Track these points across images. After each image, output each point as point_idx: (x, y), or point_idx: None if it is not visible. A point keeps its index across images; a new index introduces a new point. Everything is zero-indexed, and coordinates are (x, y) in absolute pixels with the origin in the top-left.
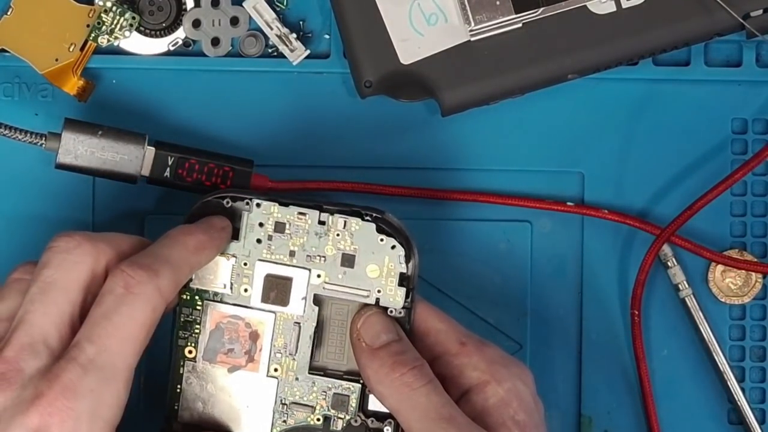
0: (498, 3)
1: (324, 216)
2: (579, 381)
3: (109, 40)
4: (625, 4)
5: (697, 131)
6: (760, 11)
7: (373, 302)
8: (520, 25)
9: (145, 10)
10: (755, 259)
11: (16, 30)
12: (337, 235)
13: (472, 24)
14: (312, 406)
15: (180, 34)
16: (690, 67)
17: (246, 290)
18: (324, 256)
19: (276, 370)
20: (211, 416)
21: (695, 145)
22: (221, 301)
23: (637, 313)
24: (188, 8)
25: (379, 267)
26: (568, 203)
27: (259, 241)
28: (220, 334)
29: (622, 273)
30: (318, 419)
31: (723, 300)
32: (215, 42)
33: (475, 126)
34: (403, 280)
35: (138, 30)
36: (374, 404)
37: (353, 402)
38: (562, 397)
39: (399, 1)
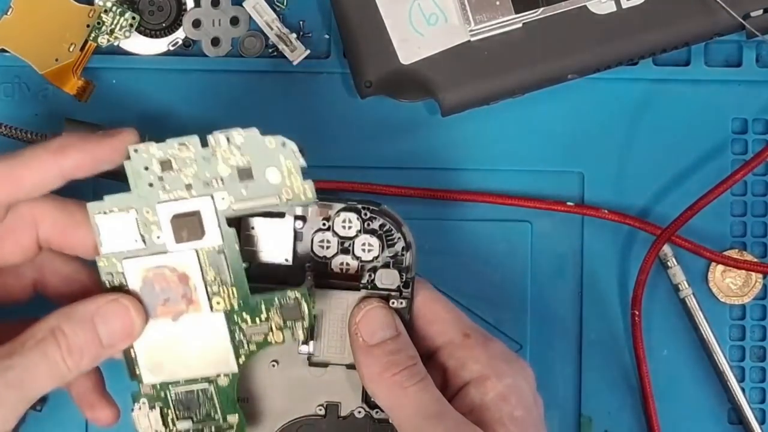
0: (498, 3)
1: (206, 138)
2: (579, 381)
3: (109, 40)
4: (625, 4)
5: (697, 131)
6: (760, 11)
7: (284, 203)
8: (520, 25)
9: (145, 10)
10: (755, 259)
11: (16, 30)
12: (224, 152)
13: (472, 24)
14: (268, 325)
15: (180, 34)
16: (690, 67)
17: (158, 237)
18: (220, 178)
19: (219, 303)
20: (174, 368)
21: (695, 145)
22: (139, 256)
23: (637, 313)
24: (188, 8)
25: (277, 168)
26: (568, 203)
27: (150, 185)
28: (150, 287)
29: (622, 273)
30: (279, 336)
31: (723, 300)
32: (215, 42)
33: (475, 126)
34: (399, 265)
35: (138, 30)
36: None
37: (305, 307)
38: (562, 397)
39: (399, 1)
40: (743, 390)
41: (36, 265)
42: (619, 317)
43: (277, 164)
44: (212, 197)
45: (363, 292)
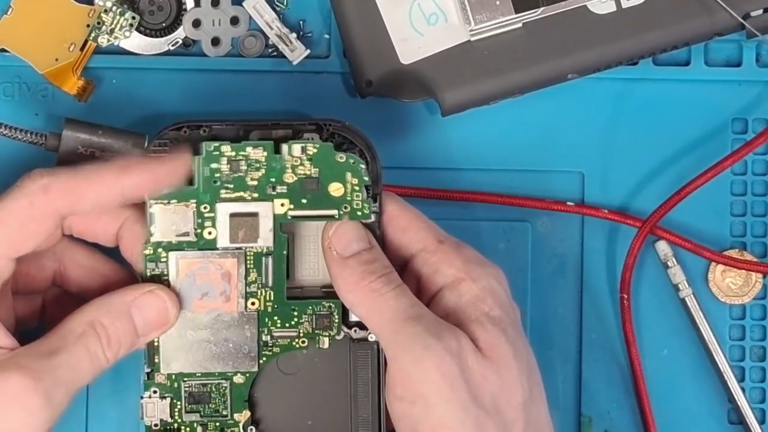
0: (498, 3)
1: (280, 145)
2: (579, 381)
3: (109, 40)
4: (625, 4)
5: (697, 131)
6: (760, 11)
7: (341, 216)
8: (520, 25)
9: (145, 10)
10: (755, 259)
11: (16, 30)
12: (296, 161)
13: (472, 24)
14: (296, 332)
15: (180, 34)
16: (690, 67)
17: (210, 233)
18: (285, 185)
19: (253, 304)
20: (195, 362)
21: (695, 145)
22: (187, 249)
23: (626, 296)
24: (188, 8)
25: (342, 184)
26: (568, 203)
27: (215, 182)
28: (192, 281)
29: (621, 273)
30: (303, 341)
31: (723, 300)
32: (215, 42)
33: (475, 126)
34: (368, 188)
35: (138, 30)
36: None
37: (336, 318)
38: (562, 397)
39: (399, 1)
40: (743, 390)
41: (57, 256)
42: (619, 317)
43: (343, 180)
44: (272, 202)
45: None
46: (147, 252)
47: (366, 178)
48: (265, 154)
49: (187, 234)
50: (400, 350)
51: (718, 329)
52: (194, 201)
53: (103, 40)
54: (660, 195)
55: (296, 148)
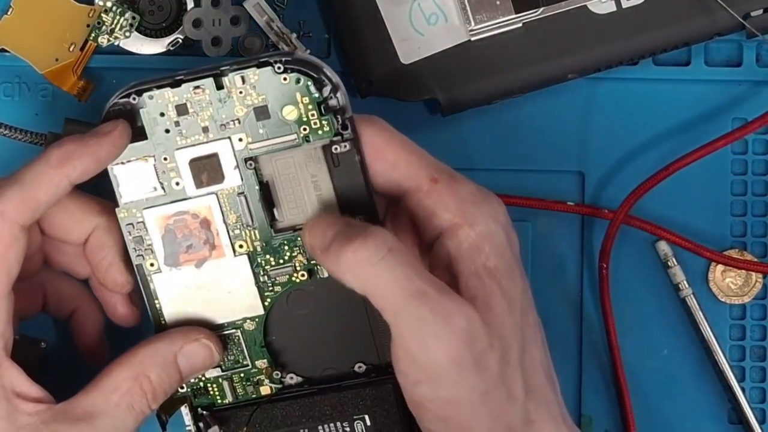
0: (498, 3)
1: (220, 80)
2: (579, 381)
3: (109, 40)
4: (625, 4)
5: (697, 131)
6: (760, 11)
7: (302, 139)
8: (520, 25)
9: (145, 10)
10: (755, 259)
11: (16, 30)
12: (240, 92)
13: (472, 24)
14: (292, 266)
15: (180, 34)
16: (690, 67)
17: (177, 183)
18: (237, 119)
19: (241, 246)
20: (199, 315)
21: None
22: (159, 205)
23: (605, 266)
24: (188, 8)
25: (293, 106)
26: (568, 203)
27: (167, 131)
28: (172, 235)
29: (621, 273)
30: (303, 275)
31: (723, 300)
32: (215, 42)
33: (475, 126)
34: (331, 110)
35: (138, 30)
36: None
37: None
38: (562, 397)
39: (399, 1)
40: (743, 390)
41: (39, 283)
42: (620, 317)
43: (294, 101)
44: (230, 139)
45: (305, 146)
46: (122, 215)
47: (316, 95)
48: (208, 92)
49: (154, 189)
50: (407, 334)
51: (718, 329)
52: (152, 155)
53: (103, 40)
54: (660, 195)
55: (237, 79)
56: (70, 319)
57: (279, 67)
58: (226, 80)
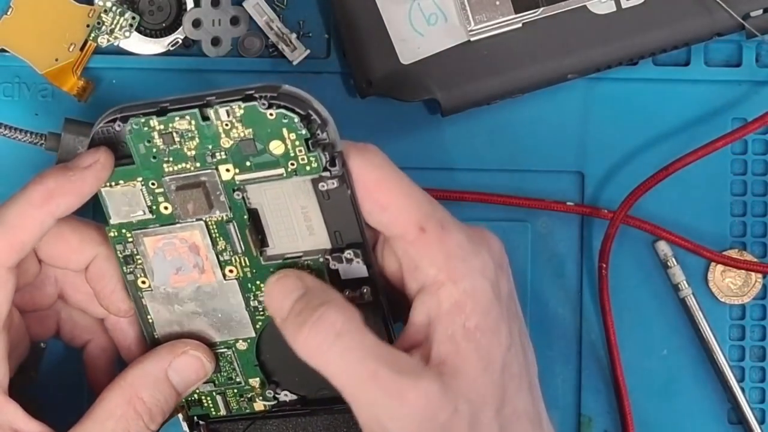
0: (498, 3)
1: (206, 111)
2: (579, 381)
3: (109, 40)
4: (625, 4)
5: (697, 131)
6: (760, 11)
7: (290, 174)
8: (519, 25)
9: (145, 10)
10: (755, 259)
11: (16, 30)
12: (226, 126)
13: (472, 24)
14: None
15: (180, 34)
16: (690, 67)
17: (166, 208)
18: (223, 150)
19: (231, 271)
20: (192, 332)
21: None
22: (148, 227)
23: (605, 266)
24: (188, 8)
25: (281, 141)
26: (568, 203)
27: (154, 157)
28: (162, 257)
29: (621, 273)
30: None
31: (723, 300)
32: (215, 42)
33: (475, 126)
34: (319, 146)
35: (138, 30)
36: (346, 273)
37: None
38: (562, 397)
39: (399, 1)
40: (743, 390)
41: (54, 311)
42: (620, 317)
43: (280, 137)
44: (217, 170)
45: (294, 179)
46: (111, 234)
47: (302, 132)
48: (193, 122)
49: (143, 213)
50: (364, 416)
51: (717, 329)
52: (140, 179)
53: (103, 40)
54: (660, 195)
55: (222, 112)
56: (82, 350)
57: (264, 103)
58: (211, 112)
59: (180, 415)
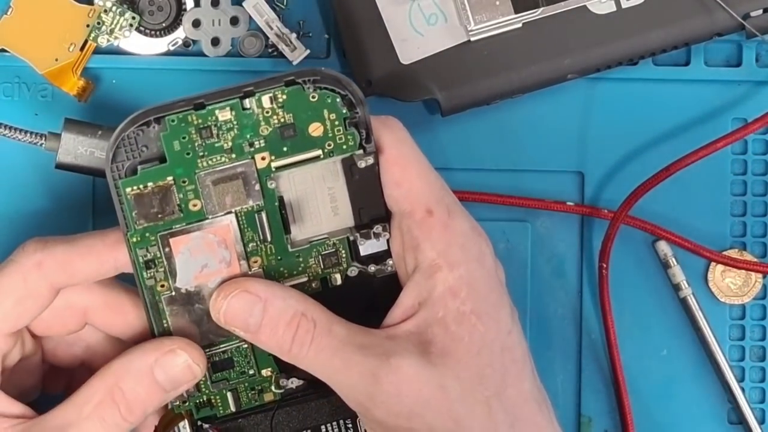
0: (498, 3)
1: (246, 102)
2: (579, 381)
3: (109, 40)
4: (625, 4)
5: (697, 131)
6: (760, 11)
7: (326, 156)
8: (519, 25)
9: (145, 10)
10: (755, 259)
11: (16, 30)
12: (267, 113)
13: (472, 24)
14: (306, 276)
15: (180, 34)
16: (690, 67)
17: (195, 205)
18: (262, 137)
19: (256, 262)
20: (210, 333)
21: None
22: (175, 227)
23: (605, 266)
24: (188, 8)
25: (320, 122)
26: (568, 203)
27: (188, 154)
28: (187, 256)
29: (621, 273)
30: (316, 284)
31: (723, 300)
32: (215, 42)
33: (474, 126)
34: (354, 124)
35: (138, 30)
36: (366, 249)
37: (343, 254)
38: (562, 397)
39: (399, 1)
40: (743, 390)
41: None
42: (620, 317)
43: (321, 118)
44: (253, 158)
45: (325, 161)
46: (134, 240)
47: (344, 111)
48: (234, 113)
49: (172, 213)
50: (349, 403)
51: (717, 329)
52: (171, 178)
53: (103, 40)
54: (660, 195)
55: (265, 99)
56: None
57: (308, 87)
58: (252, 101)
59: (182, 423)
